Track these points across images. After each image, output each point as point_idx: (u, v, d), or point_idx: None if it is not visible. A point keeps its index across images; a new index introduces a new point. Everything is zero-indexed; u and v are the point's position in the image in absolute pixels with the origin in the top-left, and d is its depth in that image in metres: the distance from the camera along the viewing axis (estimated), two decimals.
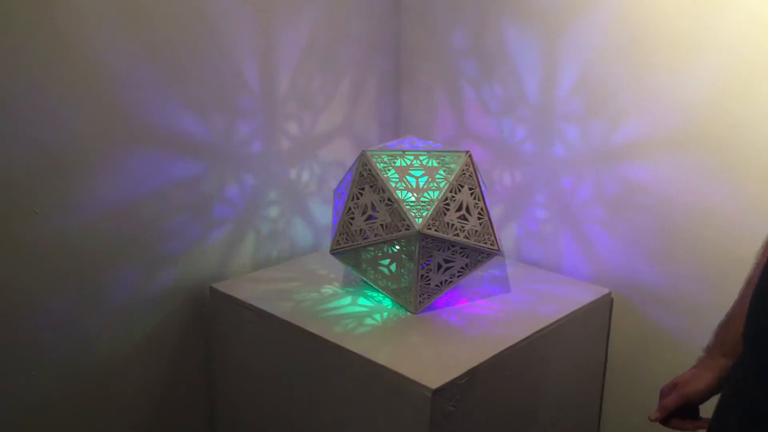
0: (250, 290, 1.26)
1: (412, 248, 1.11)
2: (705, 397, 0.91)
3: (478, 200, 1.17)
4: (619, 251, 1.29)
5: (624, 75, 1.22)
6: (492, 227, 1.17)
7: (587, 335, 1.28)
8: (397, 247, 1.13)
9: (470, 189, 1.16)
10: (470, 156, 1.18)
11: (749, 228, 1.08)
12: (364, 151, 1.17)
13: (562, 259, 1.38)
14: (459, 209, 1.14)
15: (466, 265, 1.17)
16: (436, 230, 1.10)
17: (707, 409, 0.88)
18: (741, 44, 1.02)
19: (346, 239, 1.16)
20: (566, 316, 1.18)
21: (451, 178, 1.13)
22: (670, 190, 1.20)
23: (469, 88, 1.45)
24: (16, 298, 1.08)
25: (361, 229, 1.14)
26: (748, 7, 1.05)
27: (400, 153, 1.18)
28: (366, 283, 1.25)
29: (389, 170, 1.15)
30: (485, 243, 1.15)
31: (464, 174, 1.16)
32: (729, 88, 1.10)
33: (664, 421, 0.95)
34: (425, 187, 1.13)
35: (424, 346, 1.07)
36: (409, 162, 1.17)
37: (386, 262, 1.16)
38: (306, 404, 1.17)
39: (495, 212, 1.22)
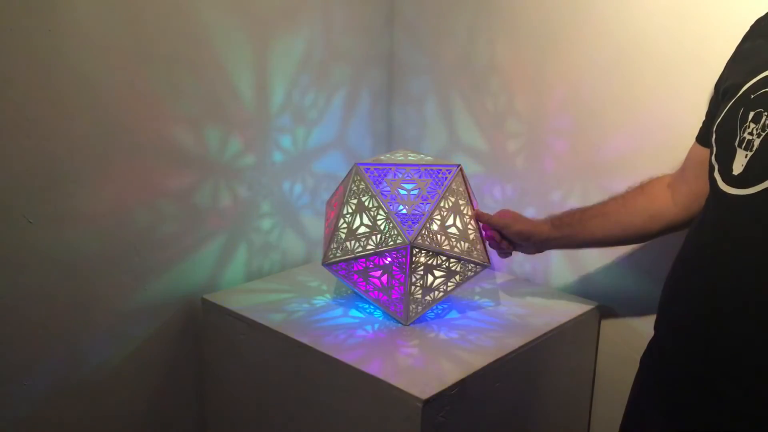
0: (242, 301, 1.27)
1: (403, 260, 1.12)
2: (516, 234, 1.16)
3: (469, 213, 1.18)
4: (607, 264, 1.31)
5: (611, 91, 1.24)
6: (482, 240, 1.19)
7: (576, 347, 1.29)
8: (389, 259, 1.14)
9: (461, 202, 1.17)
10: (461, 169, 1.19)
11: None
12: (356, 164, 1.19)
13: (552, 273, 1.40)
14: (450, 222, 1.16)
15: (457, 277, 1.18)
16: (427, 242, 1.11)
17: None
18: (721, 65, 1.05)
19: (338, 251, 1.17)
20: (555, 329, 1.20)
21: (443, 190, 1.15)
22: None
23: (461, 102, 1.47)
24: (9, 306, 1.08)
25: (352, 241, 1.15)
26: (729, 28, 1.08)
27: (392, 166, 1.19)
28: (357, 294, 1.25)
29: (381, 183, 1.16)
30: (475, 256, 1.17)
31: (455, 187, 1.17)
32: None
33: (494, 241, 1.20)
34: (416, 199, 1.15)
35: (415, 357, 1.08)
36: (400, 175, 1.18)
37: (378, 274, 1.17)
38: (297, 415, 1.17)
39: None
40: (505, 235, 1.18)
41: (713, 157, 0.85)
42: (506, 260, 1.46)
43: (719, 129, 0.85)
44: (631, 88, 1.21)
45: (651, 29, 1.17)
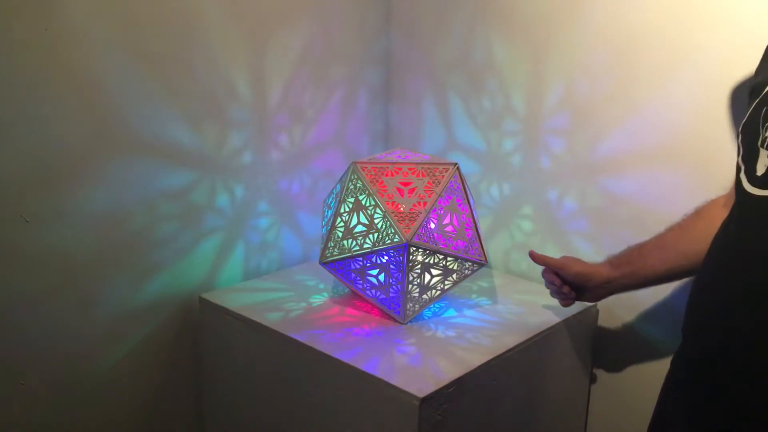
0: (240, 300, 1.27)
1: (400, 259, 1.12)
2: (575, 275, 1.11)
3: (466, 212, 1.18)
4: None
5: (607, 91, 1.24)
6: (479, 239, 1.19)
7: (573, 346, 1.29)
8: (386, 257, 1.15)
9: (458, 201, 1.18)
10: (458, 168, 1.19)
11: None
12: (353, 162, 1.19)
13: None
14: (447, 220, 1.16)
15: (454, 275, 1.19)
16: (424, 241, 1.11)
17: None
18: (718, 65, 1.05)
19: (336, 250, 1.17)
20: (552, 327, 1.20)
21: (439, 189, 1.15)
22: (651, 203, 1.22)
23: (458, 102, 1.48)
24: (5, 306, 1.08)
25: (350, 240, 1.15)
26: (725, 31, 1.08)
27: (389, 164, 1.19)
28: (354, 293, 1.26)
29: (378, 181, 1.17)
30: (472, 254, 1.17)
31: (452, 186, 1.17)
32: (706, 107, 1.12)
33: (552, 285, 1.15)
34: (413, 198, 1.15)
35: (412, 355, 1.08)
36: (398, 173, 1.18)
37: (375, 272, 1.17)
38: (295, 413, 1.17)
39: (482, 224, 1.24)
40: (564, 279, 1.14)
41: (740, 158, 0.83)
42: (504, 259, 1.46)
43: (744, 129, 0.83)
44: (628, 87, 1.21)
45: (647, 29, 1.17)
